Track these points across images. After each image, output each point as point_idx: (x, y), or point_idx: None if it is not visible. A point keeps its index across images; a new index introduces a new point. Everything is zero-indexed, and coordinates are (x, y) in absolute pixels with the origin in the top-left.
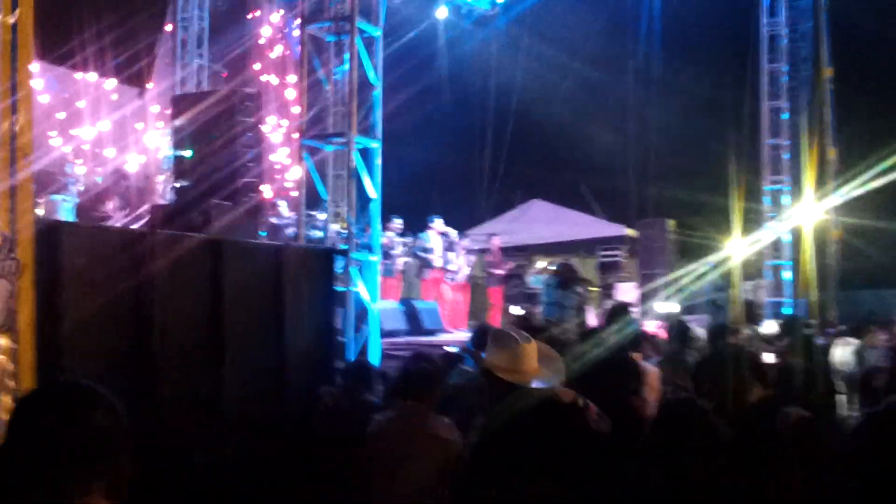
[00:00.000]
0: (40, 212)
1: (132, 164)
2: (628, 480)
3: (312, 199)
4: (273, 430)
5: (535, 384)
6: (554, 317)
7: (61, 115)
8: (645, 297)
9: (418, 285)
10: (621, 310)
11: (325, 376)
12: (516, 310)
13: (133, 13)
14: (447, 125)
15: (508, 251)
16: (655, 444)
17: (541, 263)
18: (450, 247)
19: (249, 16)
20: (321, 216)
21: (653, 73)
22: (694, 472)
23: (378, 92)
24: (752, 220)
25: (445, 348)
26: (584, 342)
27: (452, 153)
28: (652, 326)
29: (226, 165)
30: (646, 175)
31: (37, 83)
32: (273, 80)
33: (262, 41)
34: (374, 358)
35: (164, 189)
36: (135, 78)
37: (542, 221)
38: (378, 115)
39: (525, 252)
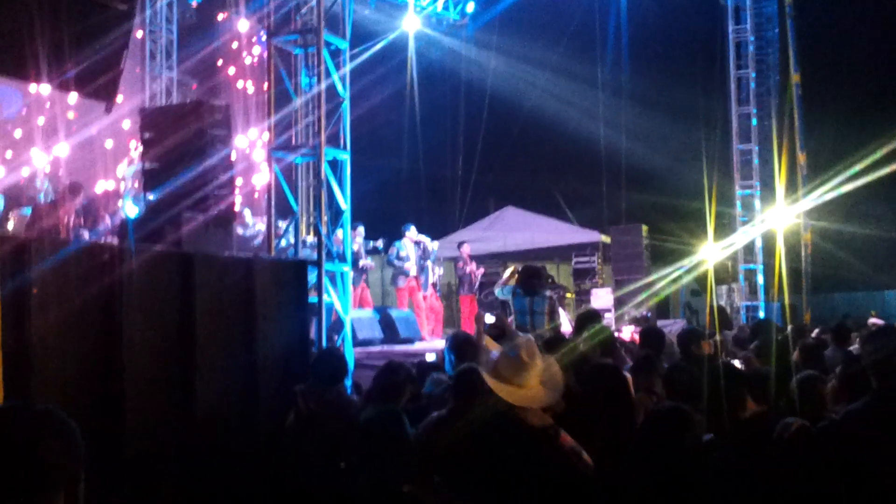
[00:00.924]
0: (10, 225)
1: (100, 177)
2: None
3: (279, 207)
4: (246, 442)
5: (526, 404)
6: (525, 324)
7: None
8: (619, 303)
9: (393, 294)
10: (591, 316)
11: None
12: (489, 318)
13: (97, 25)
14: (419, 134)
15: (483, 259)
16: (642, 455)
17: (506, 273)
18: (424, 255)
19: (220, 17)
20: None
21: (623, 81)
22: (680, 482)
23: (346, 103)
24: (725, 225)
25: (427, 356)
26: (550, 350)
27: (424, 162)
28: (627, 332)
29: (196, 178)
30: (619, 181)
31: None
32: (249, 87)
33: (234, 46)
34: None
35: (131, 202)
36: (100, 92)
37: (515, 229)
38: (347, 126)
39: (499, 259)
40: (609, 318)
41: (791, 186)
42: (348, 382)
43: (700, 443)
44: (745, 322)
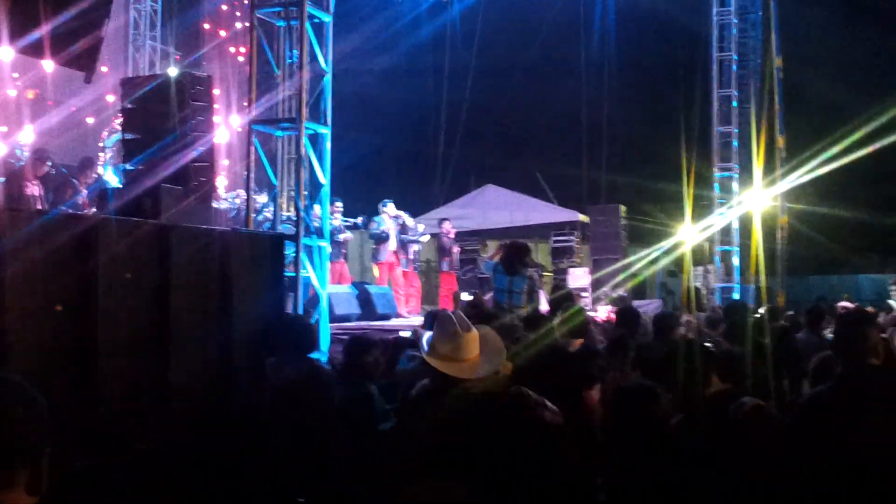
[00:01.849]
0: None
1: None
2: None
3: (257, 181)
4: (221, 416)
5: (468, 376)
6: (503, 302)
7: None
8: (597, 283)
9: (371, 270)
10: (566, 297)
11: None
12: (465, 296)
13: None
14: (401, 111)
15: (462, 236)
16: (611, 431)
17: (492, 248)
18: (403, 230)
19: None
20: (261, 199)
21: (605, 62)
22: (647, 460)
23: (328, 77)
24: (704, 207)
25: (400, 333)
26: (529, 330)
27: (406, 139)
28: (603, 312)
29: (176, 149)
30: (598, 161)
31: None
32: (233, 60)
33: (218, 16)
34: (324, 342)
35: (112, 171)
36: (80, 60)
37: (495, 207)
38: (328, 101)
39: (479, 237)
40: (586, 298)
41: (769, 170)
42: (324, 358)
43: (669, 421)
44: (719, 303)
